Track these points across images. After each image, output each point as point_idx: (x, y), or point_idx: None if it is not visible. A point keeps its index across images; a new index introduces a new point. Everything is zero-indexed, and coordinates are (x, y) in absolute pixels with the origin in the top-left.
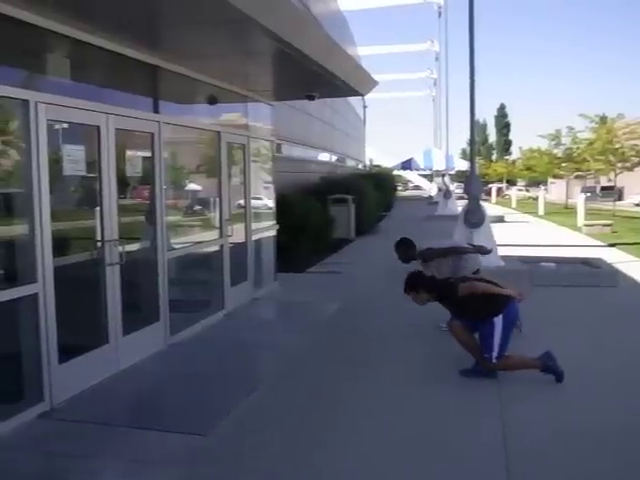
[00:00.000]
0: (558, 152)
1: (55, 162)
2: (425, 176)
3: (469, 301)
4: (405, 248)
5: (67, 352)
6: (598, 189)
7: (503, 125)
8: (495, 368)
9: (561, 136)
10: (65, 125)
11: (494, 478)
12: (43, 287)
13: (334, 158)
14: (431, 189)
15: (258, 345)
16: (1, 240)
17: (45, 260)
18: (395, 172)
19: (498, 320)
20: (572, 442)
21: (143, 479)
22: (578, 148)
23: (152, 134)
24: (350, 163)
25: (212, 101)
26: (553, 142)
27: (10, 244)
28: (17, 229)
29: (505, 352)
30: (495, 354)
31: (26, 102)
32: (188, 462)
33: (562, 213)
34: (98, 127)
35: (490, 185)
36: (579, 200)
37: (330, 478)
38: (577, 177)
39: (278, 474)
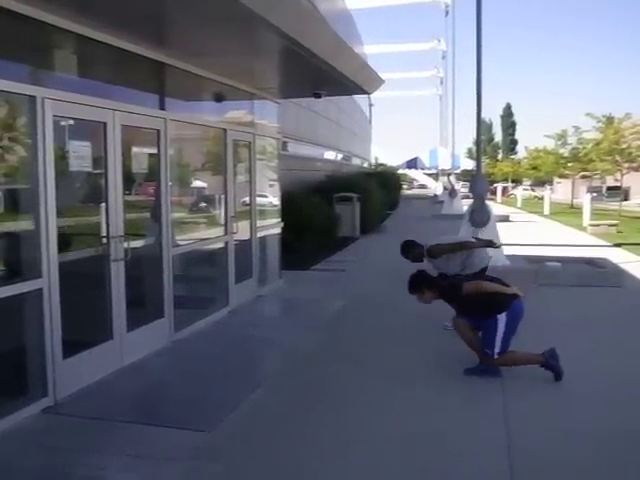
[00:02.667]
0: (564, 152)
1: (61, 158)
2: (430, 175)
3: (474, 300)
4: (411, 249)
5: (71, 347)
6: (604, 189)
7: (509, 124)
8: (495, 363)
9: (567, 136)
10: (71, 121)
11: (498, 476)
12: (48, 282)
13: (340, 156)
14: (436, 188)
15: (262, 342)
16: (7, 235)
17: (50, 255)
18: (400, 171)
19: (502, 317)
20: (576, 442)
21: (146, 474)
22: (584, 148)
23: (158, 131)
24: (356, 161)
25: (218, 98)
26: (559, 142)
27: (16, 239)
28: (23, 224)
29: (508, 349)
30: (497, 350)
31: (33, 98)
32: (192, 458)
33: (568, 213)
34: (104, 123)
35: (496, 184)
36: (585, 200)
37: (334, 475)
38: (583, 177)
39: (282, 471)
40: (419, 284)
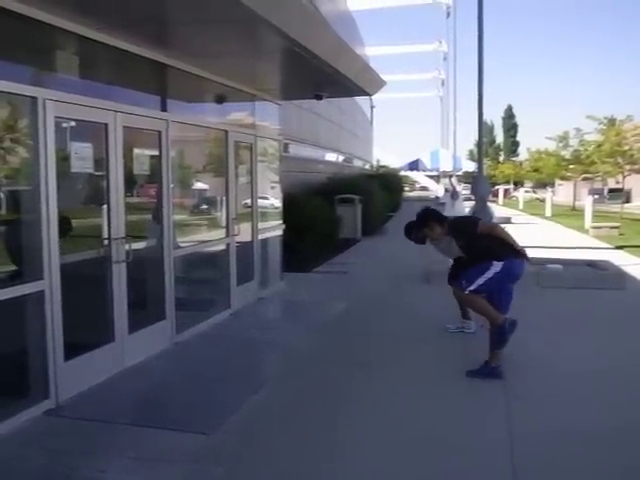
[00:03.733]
0: (566, 154)
1: (63, 159)
2: (432, 177)
3: (483, 239)
4: (414, 230)
5: (73, 350)
6: (606, 191)
7: (510, 126)
8: (462, 296)
9: (569, 138)
10: (73, 123)
11: (501, 477)
12: (50, 284)
13: (341, 158)
14: (438, 190)
15: (264, 344)
16: (8, 237)
17: (52, 257)
18: (402, 173)
19: (497, 264)
20: (578, 442)
21: (147, 477)
22: (586, 150)
23: (160, 132)
24: (357, 163)
25: (220, 100)
26: (561, 144)
27: (17, 241)
28: (24, 226)
29: (507, 310)
30: (472, 287)
31: (34, 99)
32: (193, 460)
33: (569, 215)
34: (106, 125)
35: (497, 186)
36: (587, 202)
37: (336, 477)
38: (585, 179)
39: (284, 473)
40: (429, 218)
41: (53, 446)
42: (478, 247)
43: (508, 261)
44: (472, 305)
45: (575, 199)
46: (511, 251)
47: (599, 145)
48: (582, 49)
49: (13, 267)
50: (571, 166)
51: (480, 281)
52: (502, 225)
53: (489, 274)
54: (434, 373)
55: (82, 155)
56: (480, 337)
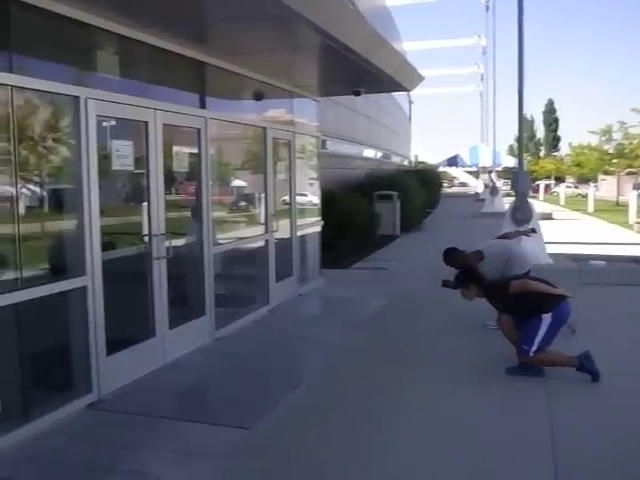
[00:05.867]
0: (609, 148)
1: (104, 158)
2: (471, 173)
3: (520, 299)
4: (452, 256)
5: (115, 344)
6: None
7: (551, 121)
8: (530, 361)
9: (612, 131)
10: (114, 121)
11: (542, 477)
12: (92, 280)
13: (379, 154)
14: (477, 186)
15: (303, 340)
16: (52, 234)
17: (94, 253)
18: (441, 169)
19: (547, 317)
20: (621, 444)
21: (188, 470)
22: (630, 144)
23: (199, 130)
24: (395, 159)
25: (258, 97)
26: (604, 138)
27: (60, 238)
28: (67, 223)
29: (546, 348)
30: (534, 348)
31: (77, 98)
32: (233, 455)
33: (613, 210)
34: (146, 123)
35: (538, 182)
36: (631, 197)
37: (374, 475)
38: (629, 174)
39: (323, 469)
40: (466, 279)
41: (96, 439)
42: (519, 306)
43: (555, 310)
44: (542, 364)
45: (619, 194)
46: (553, 299)
47: None
48: (628, 40)
49: (56, 263)
50: (614, 160)
51: (537, 340)
52: (542, 222)
53: (542, 330)
54: (473, 370)
55: (123, 153)
56: None
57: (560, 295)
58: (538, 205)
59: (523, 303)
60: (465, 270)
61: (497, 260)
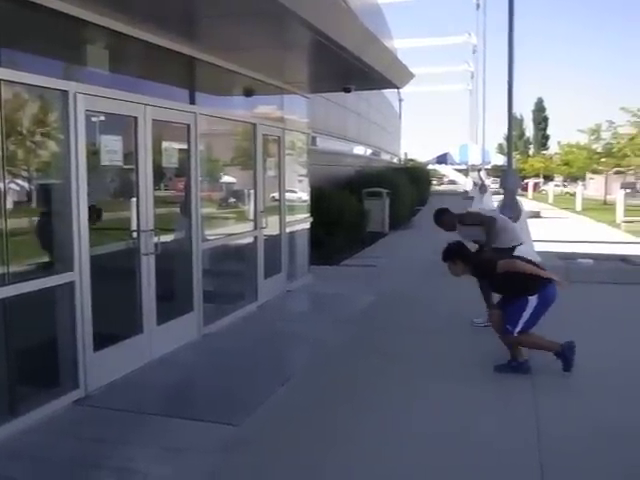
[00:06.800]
0: (598, 147)
1: (93, 153)
2: (460, 171)
3: (507, 279)
4: (444, 216)
5: (102, 340)
6: (638, 185)
7: (541, 119)
8: (513, 341)
9: (601, 130)
10: (102, 116)
11: (528, 473)
12: (79, 276)
13: (369, 151)
14: (466, 184)
15: (291, 337)
16: (39, 229)
17: (82, 249)
18: (430, 166)
19: (532, 299)
20: (607, 440)
21: (175, 467)
22: (618, 143)
23: (188, 125)
24: (385, 157)
25: (248, 93)
26: (593, 137)
27: (48, 233)
28: (55, 219)
29: (530, 330)
30: (518, 329)
31: (65, 93)
32: (220, 451)
33: (600, 209)
34: (135, 118)
35: (527, 180)
36: (618, 196)
37: (362, 471)
38: (617, 173)
39: (310, 466)
40: (454, 254)
41: (82, 435)
42: (506, 285)
43: (541, 292)
44: (524, 345)
45: (607, 193)
46: (540, 281)
47: (632, 138)
48: (616, 39)
49: (44, 259)
50: (603, 159)
51: (522, 321)
52: (530, 220)
53: (527, 312)
54: (460, 367)
55: (112, 148)
56: None
57: (547, 278)
58: (527, 203)
59: (510, 283)
60: (454, 245)
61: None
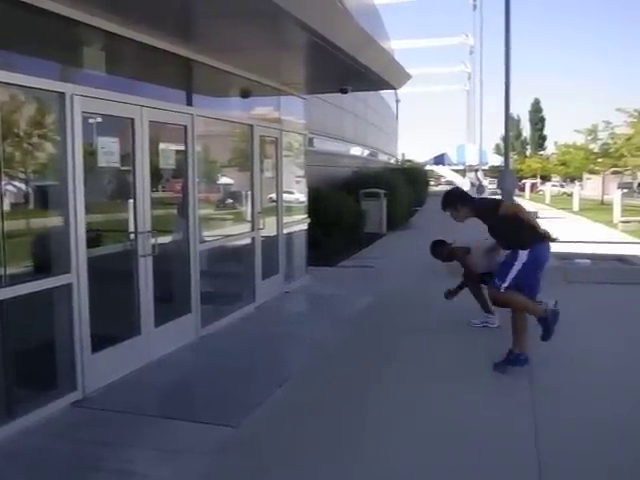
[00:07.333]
0: (594, 147)
1: (90, 154)
2: (458, 171)
3: (507, 223)
4: (440, 249)
5: (100, 342)
6: (635, 185)
7: (538, 120)
8: (500, 298)
9: (598, 131)
10: (99, 118)
11: (526, 473)
12: (77, 277)
13: (366, 152)
14: (464, 184)
15: (289, 338)
16: (36, 231)
17: (79, 251)
18: (428, 167)
19: (523, 254)
20: (607, 440)
21: (173, 468)
22: (615, 143)
23: (185, 127)
24: (382, 157)
25: (245, 94)
26: (589, 137)
27: (45, 235)
28: (52, 220)
29: (534, 297)
30: (505, 284)
31: (62, 94)
32: (218, 452)
33: (597, 209)
34: (132, 119)
35: (524, 180)
36: (615, 196)
37: (360, 472)
38: (614, 173)
39: (307, 467)
40: (454, 199)
41: (80, 437)
42: (503, 230)
43: (534, 248)
44: (510, 304)
45: (604, 193)
46: (535, 236)
47: (629, 138)
48: (612, 40)
49: (41, 260)
50: (599, 160)
51: (511, 276)
52: None
53: (518, 265)
54: (458, 368)
55: (109, 150)
56: (504, 331)
57: (543, 234)
58: (524, 203)
59: (508, 228)
60: (453, 190)
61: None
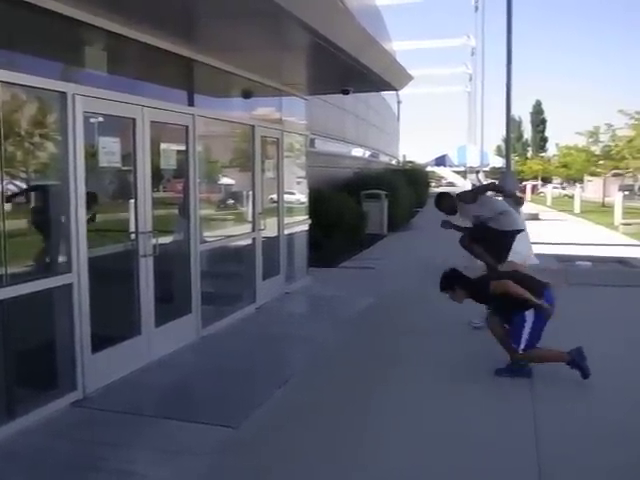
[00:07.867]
0: (596, 149)
1: (91, 154)
2: (459, 173)
3: (501, 299)
4: (444, 200)
5: (100, 342)
6: (637, 187)
7: (539, 122)
8: (522, 358)
9: (599, 133)
10: (101, 118)
11: (526, 473)
12: (78, 277)
13: (367, 153)
14: (465, 186)
15: (289, 339)
16: (37, 231)
17: (80, 251)
18: (429, 168)
19: (530, 313)
20: (605, 444)
21: (175, 468)
22: (617, 145)
23: (186, 127)
24: (383, 159)
25: (246, 95)
26: (591, 139)
27: (46, 235)
28: (53, 220)
29: (535, 344)
30: (522, 346)
31: (63, 94)
32: (218, 453)
33: (599, 211)
34: (134, 119)
35: (525, 182)
36: (617, 198)
37: (360, 473)
38: (615, 175)
39: (307, 468)
40: (451, 282)
41: (80, 437)
42: (500, 305)
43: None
44: (532, 360)
45: (605, 195)
46: (533, 298)
47: (630, 140)
48: (614, 42)
49: (42, 260)
50: (601, 162)
51: (525, 337)
52: (528, 222)
53: (528, 326)
54: (459, 370)
55: (110, 150)
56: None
57: (543, 286)
58: (525, 205)
59: (505, 302)
60: (450, 273)
61: (491, 209)
